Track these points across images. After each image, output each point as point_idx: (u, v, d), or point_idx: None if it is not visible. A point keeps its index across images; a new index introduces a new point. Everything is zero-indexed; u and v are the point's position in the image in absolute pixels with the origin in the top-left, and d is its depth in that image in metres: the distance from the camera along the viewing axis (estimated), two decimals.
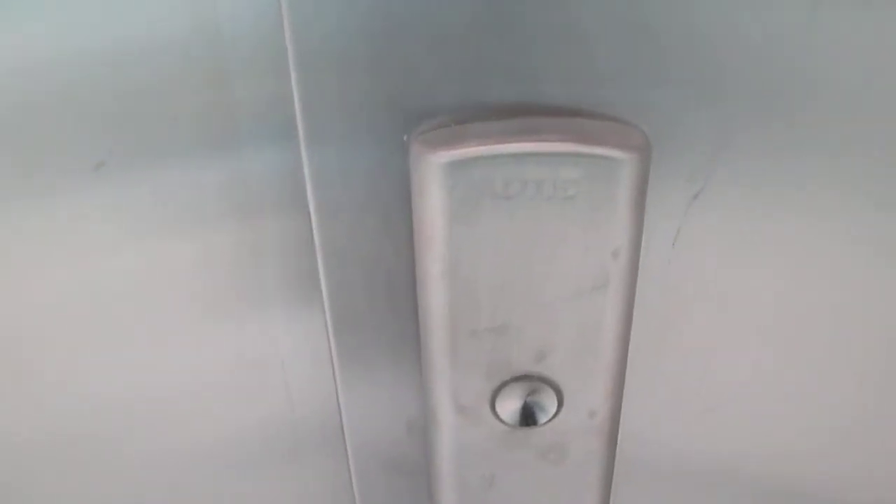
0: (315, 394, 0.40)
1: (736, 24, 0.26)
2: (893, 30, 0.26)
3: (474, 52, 0.27)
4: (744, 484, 0.40)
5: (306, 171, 0.30)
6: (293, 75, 0.28)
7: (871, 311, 0.34)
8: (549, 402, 0.32)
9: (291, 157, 0.31)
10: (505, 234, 0.28)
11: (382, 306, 0.33)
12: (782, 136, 0.29)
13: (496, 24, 0.27)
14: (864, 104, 0.28)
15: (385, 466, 0.38)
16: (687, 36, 0.27)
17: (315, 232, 0.32)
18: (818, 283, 0.33)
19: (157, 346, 0.38)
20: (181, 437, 0.42)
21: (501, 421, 0.32)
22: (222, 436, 0.42)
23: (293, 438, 0.43)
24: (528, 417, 0.32)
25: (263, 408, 0.41)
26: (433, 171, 0.27)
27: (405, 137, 0.29)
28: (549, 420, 0.32)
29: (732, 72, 0.27)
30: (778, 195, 0.31)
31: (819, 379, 0.36)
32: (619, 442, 0.35)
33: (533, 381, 0.31)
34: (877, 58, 0.27)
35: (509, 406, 0.32)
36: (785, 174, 0.30)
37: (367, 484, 0.39)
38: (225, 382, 0.39)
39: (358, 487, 0.39)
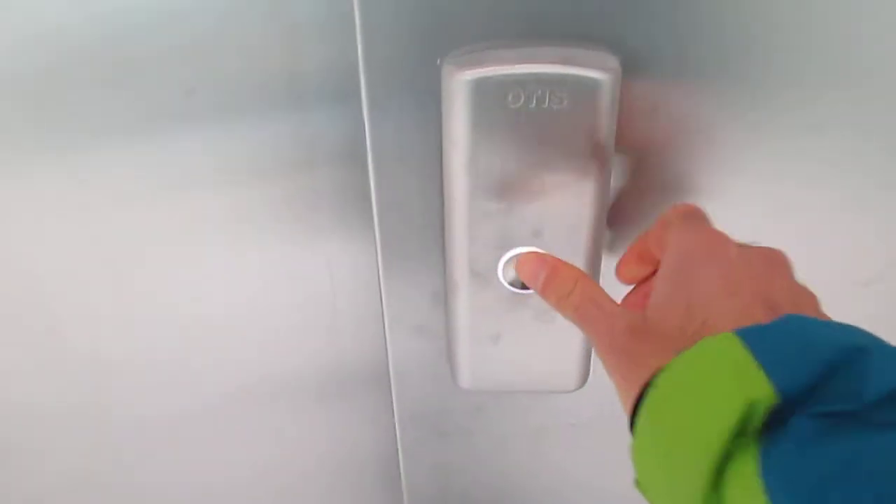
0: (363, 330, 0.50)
1: None
2: None
3: None
4: None
5: (363, 93, 0.40)
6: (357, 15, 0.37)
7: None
8: None
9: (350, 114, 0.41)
10: (511, 135, 0.38)
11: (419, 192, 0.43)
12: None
13: None
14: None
15: (412, 333, 0.48)
16: None
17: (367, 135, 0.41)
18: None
19: (213, 278, 0.47)
20: (237, 362, 0.52)
21: (505, 285, 0.42)
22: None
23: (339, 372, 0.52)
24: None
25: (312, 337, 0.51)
26: (460, 86, 0.37)
27: (438, 61, 0.38)
28: None
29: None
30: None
31: None
32: None
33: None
34: None
35: (512, 273, 0.42)
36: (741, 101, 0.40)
37: (399, 351, 0.49)
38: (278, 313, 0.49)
39: (392, 352, 0.49)
